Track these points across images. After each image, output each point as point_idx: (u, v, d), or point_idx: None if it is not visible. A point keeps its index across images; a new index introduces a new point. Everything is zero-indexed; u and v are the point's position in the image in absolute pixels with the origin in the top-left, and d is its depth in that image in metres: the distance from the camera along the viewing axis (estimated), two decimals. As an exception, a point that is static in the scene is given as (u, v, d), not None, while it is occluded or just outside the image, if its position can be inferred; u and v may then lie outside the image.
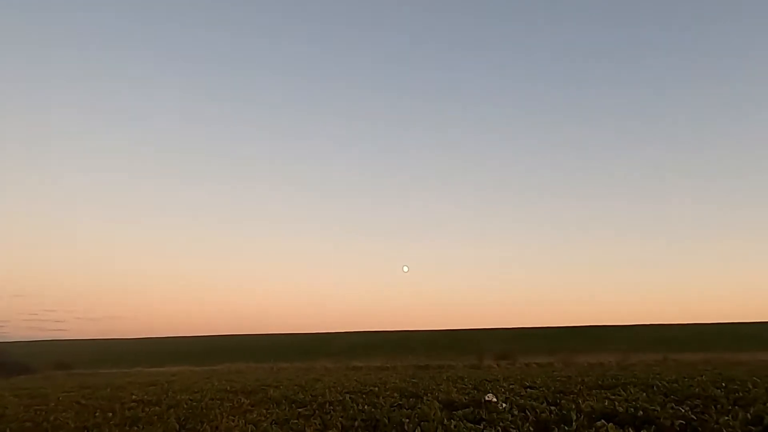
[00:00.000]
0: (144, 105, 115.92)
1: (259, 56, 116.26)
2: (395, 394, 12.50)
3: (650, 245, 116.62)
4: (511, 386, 14.15)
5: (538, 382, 14.75)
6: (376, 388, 14.24)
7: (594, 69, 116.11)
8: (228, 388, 15.64)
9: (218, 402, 12.19)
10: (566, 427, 6.90)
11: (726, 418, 7.02)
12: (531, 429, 7.18)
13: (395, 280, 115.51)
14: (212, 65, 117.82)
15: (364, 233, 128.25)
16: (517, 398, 10.47)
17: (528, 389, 12.68)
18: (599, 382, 13.82)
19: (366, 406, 9.98)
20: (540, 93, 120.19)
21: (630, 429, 6.65)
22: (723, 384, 11.70)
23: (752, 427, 6.70)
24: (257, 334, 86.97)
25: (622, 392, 10.85)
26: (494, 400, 9.63)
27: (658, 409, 7.58)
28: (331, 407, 10.44)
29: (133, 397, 13.37)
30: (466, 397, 10.80)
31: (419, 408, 9.68)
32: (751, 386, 10.95)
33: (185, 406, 11.44)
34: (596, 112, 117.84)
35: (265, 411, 10.21)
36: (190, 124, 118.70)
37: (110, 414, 10.31)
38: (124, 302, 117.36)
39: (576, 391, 11.97)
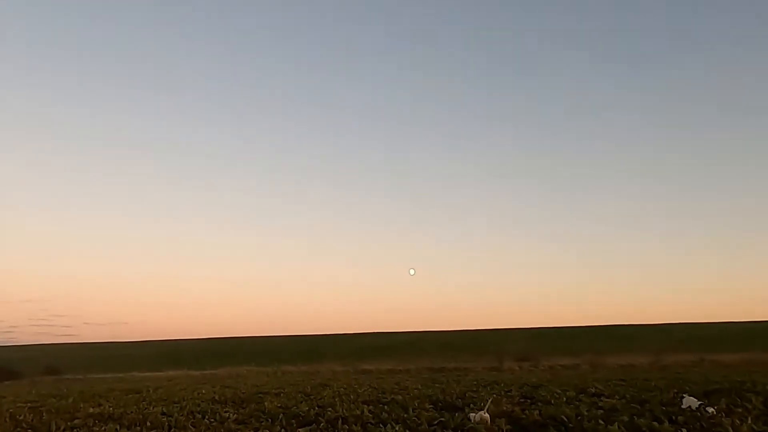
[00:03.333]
0: (135, 106, 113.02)
1: (268, 51, 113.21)
2: (427, 405, 9.58)
3: (677, 241, 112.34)
4: (567, 392, 11.19)
5: (602, 388, 11.73)
6: (400, 397, 11.30)
7: (596, 67, 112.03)
8: (216, 397, 12.76)
9: (198, 417, 9.33)
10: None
11: None
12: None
13: (404, 279, 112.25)
14: (232, 65, 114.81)
15: (372, 230, 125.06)
16: (619, 415, 7.51)
17: (603, 398, 9.68)
18: (686, 388, 10.83)
19: (397, 426, 7.08)
20: (551, 86, 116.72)
21: None
22: None
23: None
24: (263, 336, 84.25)
25: (748, 405, 7.87)
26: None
27: None
28: (346, 425, 7.56)
29: (91, 410, 10.51)
30: (537, 414, 7.80)
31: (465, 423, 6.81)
32: None
33: (149, 424, 8.58)
34: (616, 104, 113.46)
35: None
36: (192, 126, 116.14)
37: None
38: (132, 306, 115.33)
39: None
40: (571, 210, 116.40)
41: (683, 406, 7.89)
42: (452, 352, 42.89)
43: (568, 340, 56.17)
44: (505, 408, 8.62)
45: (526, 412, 7.82)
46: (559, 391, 11.61)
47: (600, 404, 8.57)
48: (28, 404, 12.78)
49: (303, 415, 9.03)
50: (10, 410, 11.55)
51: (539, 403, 8.99)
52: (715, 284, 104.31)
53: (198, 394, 14.01)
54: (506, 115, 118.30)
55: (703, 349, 32.58)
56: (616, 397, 9.90)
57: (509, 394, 11.68)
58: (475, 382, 16.09)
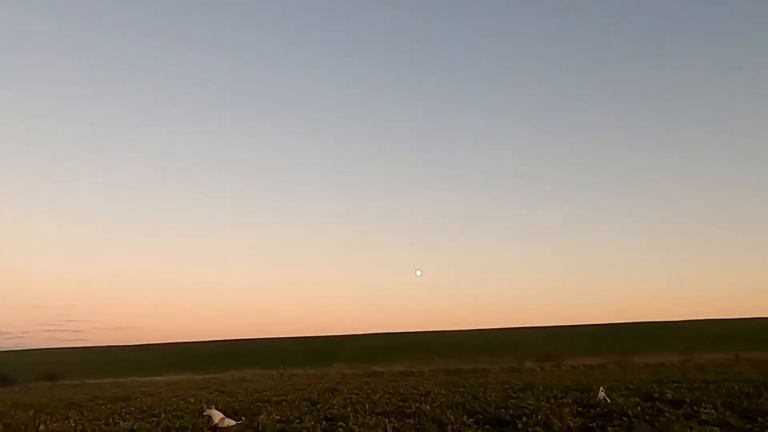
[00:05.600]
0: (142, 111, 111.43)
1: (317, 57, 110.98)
2: (466, 419, 7.45)
3: (700, 235, 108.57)
4: (630, 399, 9.06)
5: (672, 394, 9.57)
6: (426, 406, 9.19)
7: (601, 70, 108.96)
8: (206, 407, 10.68)
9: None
10: None
11: None
12: None
13: (412, 279, 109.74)
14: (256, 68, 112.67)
15: (379, 231, 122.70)
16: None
17: (694, 406, 7.51)
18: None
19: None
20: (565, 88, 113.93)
21: None
22: None
23: None
24: (271, 338, 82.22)
25: None
26: None
27: None
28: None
29: (42, 428, 8.46)
30: None
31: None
32: None
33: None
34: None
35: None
36: (206, 128, 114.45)
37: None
38: (142, 311, 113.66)
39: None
40: (582, 207, 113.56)
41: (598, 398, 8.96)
42: (466, 353, 40.77)
43: (585, 338, 53.65)
44: (571, 422, 6.49)
45: (577, 420, 5.64)
46: (621, 402, 9.46)
47: (703, 417, 6.41)
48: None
49: (306, 433, 6.97)
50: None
51: (623, 417, 6.79)
52: (740, 281, 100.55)
53: (185, 404, 11.98)
54: (516, 114, 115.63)
55: (734, 346, 30.27)
56: (706, 405, 7.77)
57: (561, 400, 9.57)
58: (507, 387, 13.93)
